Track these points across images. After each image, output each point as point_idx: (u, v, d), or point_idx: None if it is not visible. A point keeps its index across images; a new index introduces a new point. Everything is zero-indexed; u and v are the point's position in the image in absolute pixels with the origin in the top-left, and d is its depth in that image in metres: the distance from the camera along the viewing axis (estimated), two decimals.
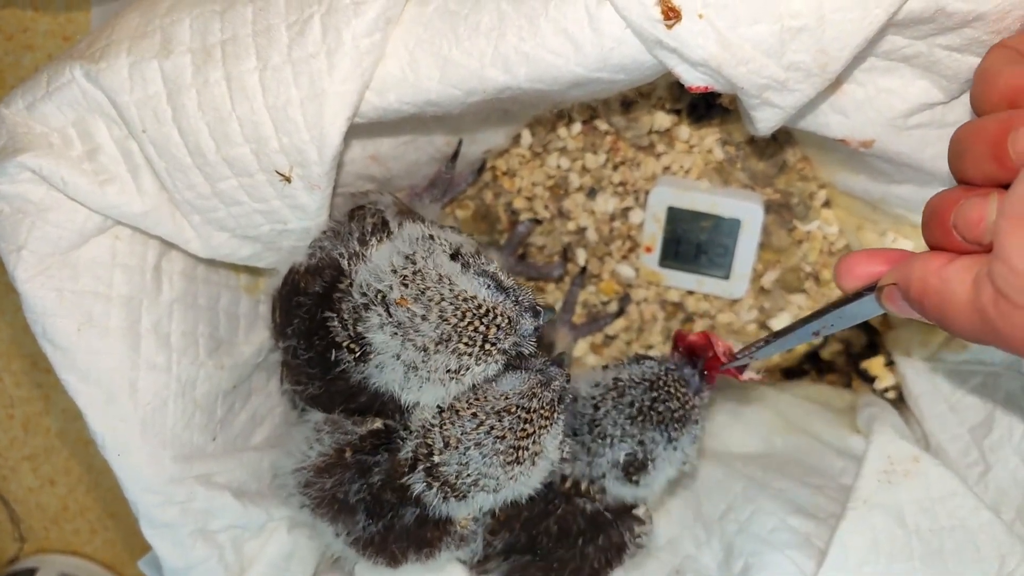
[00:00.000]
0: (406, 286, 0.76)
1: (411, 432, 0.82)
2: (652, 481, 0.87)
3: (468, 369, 0.77)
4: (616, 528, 0.89)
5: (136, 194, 0.84)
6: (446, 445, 0.78)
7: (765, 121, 0.80)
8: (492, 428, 0.77)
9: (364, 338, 0.78)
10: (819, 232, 1.06)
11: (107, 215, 0.83)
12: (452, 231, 0.89)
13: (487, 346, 0.76)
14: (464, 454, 0.78)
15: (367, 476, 0.85)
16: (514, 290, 0.79)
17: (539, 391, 0.79)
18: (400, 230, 0.82)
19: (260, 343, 1.01)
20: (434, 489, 0.80)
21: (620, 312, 1.15)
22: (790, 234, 1.06)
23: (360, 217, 0.86)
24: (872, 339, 1.11)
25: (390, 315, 0.76)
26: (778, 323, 1.12)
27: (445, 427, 0.79)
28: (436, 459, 0.79)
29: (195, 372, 0.92)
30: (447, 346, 0.75)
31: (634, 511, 0.90)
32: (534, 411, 0.78)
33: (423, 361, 0.76)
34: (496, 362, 0.78)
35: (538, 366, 0.81)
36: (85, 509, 1.53)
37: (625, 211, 1.10)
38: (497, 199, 1.11)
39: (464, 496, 0.79)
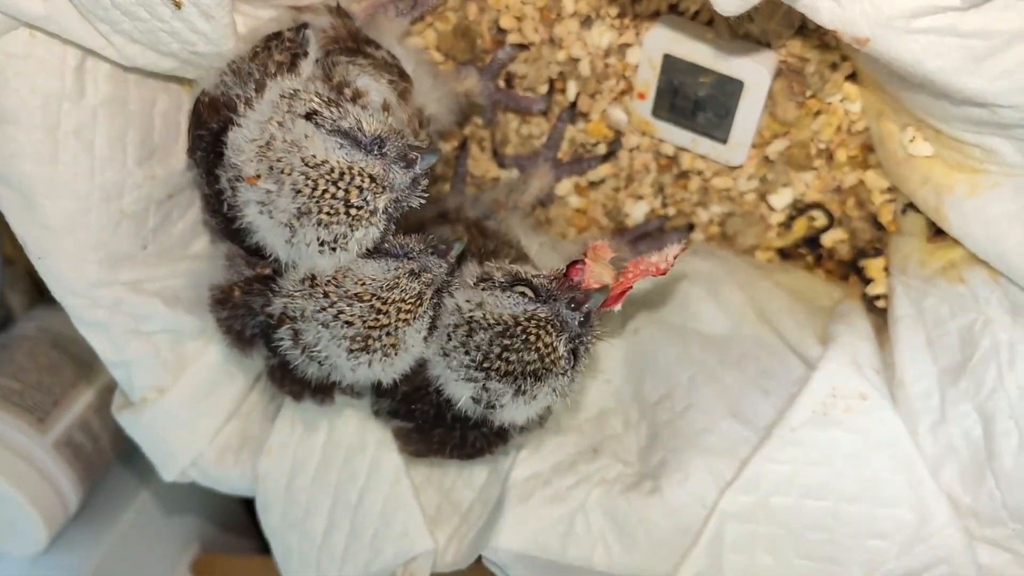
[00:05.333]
0: (258, 160, 0.70)
1: (281, 290, 0.78)
2: (509, 416, 0.76)
3: (345, 237, 0.71)
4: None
5: None
6: (301, 316, 0.75)
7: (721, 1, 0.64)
8: (340, 312, 0.72)
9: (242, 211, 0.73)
10: (840, 107, 0.89)
11: (8, 15, 0.78)
12: (368, 69, 0.80)
13: (353, 211, 0.70)
14: (316, 329, 0.74)
15: (255, 316, 0.83)
16: (380, 141, 0.70)
17: (404, 282, 0.73)
18: (267, 90, 0.73)
19: None
20: (298, 350, 0.77)
21: (608, 155, 1.03)
22: (800, 107, 0.90)
23: (266, 53, 0.77)
24: (881, 235, 0.96)
25: (251, 192, 0.70)
26: (779, 200, 0.98)
27: (304, 297, 0.75)
28: (299, 325, 0.76)
29: (121, 180, 0.89)
30: (309, 219, 0.70)
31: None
32: (393, 303, 0.72)
33: (292, 235, 0.71)
34: (378, 224, 0.72)
35: (415, 252, 0.74)
36: None
37: (622, 48, 0.95)
38: (481, 15, 0.98)
39: (322, 365, 0.76)
